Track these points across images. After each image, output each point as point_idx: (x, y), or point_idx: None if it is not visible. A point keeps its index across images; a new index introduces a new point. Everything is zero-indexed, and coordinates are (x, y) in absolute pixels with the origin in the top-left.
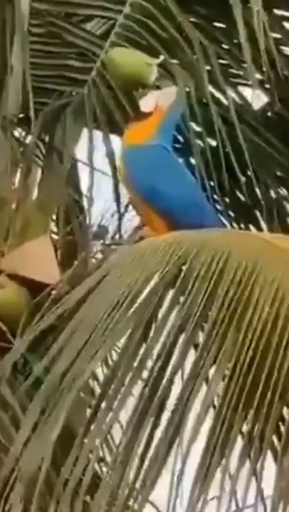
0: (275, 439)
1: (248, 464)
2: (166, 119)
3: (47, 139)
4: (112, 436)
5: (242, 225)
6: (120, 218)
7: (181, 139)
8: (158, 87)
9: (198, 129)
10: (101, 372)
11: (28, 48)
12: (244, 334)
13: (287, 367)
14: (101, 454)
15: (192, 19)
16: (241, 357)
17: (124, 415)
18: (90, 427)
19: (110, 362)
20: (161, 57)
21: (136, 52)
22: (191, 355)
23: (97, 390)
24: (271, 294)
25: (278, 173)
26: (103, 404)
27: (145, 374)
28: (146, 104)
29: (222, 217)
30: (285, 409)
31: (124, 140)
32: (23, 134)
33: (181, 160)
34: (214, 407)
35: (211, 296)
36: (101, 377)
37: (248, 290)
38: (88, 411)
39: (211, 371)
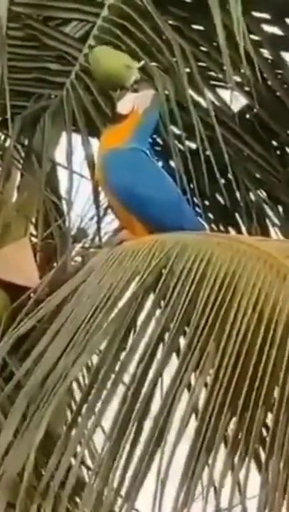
0: (259, 445)
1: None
2: (142, 122)
3: (26, 142)
4: (93, 442)
5: (222, 228)
6: (99, 221)
7: (160, 141)
8: (136, 91)
9: (177, 131)
10: (82, 376)
11: (6, 51)
12: (227, 338)
13: (270, 370)
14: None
15: (171, 21)
16: (224, 361)
17: (107, 420)
18: (72, 431)
19: (91, 366)
20: (142, 62)
21: (120, 53)
22: (174, 360)
23: (78, 394)
24: (253, 297)
25: (257, 176)
26: (84, 408)
27: (127, 378)
28: (123, 106)
29: (202, 220)
30: (268, 415)
31: (101, 143)
32: (2, 137)
33: (160, 163)
34: (197, 412)
35: (192, 299)
36: (82, 380)
37: (229, 293)
38: (70, 415)
39: (194, 376)
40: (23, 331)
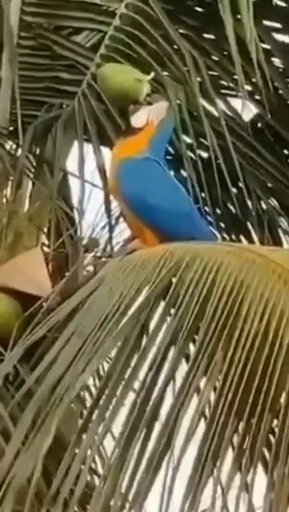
0: (265, 450)
1: (239, 475)
2: (158, 133)
3: (37, 151)
4: (104, 447)
5: (233, 237)
6: (111, 231)
7: (172, 150)
8: (149, 103)
9: (189, 140)
10: (92, 383)
11: (18, 60)
12: (235, 346)
13: (277, 378)
14: (93, 465)
15: (182, 31)
16: (232, 369)
17: (117, 426)
18: (82, 437)
19: (102, 373)
20: (152, 74)
21: (127, 68)
22: (183, 367)
23: (89, 401)
24: (261, 306)
25: (269, 185)
26: (95, 415)
27: (137, 385)
28: (137, 119)
29: (213, 229)
30: (275, 421)
31: (115, 153)
32: (14, 146)
33: (172, 172)
34: (205, 418)
35: (201, 308)
36: (92, 388)
37: (238, 302)
38: (80, 422)
39: (203, 382)
40: (35, 340)
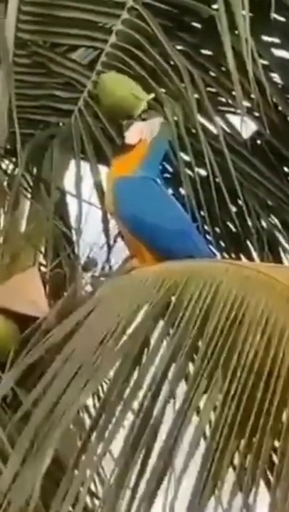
0: (267, 470)
1: (240, 496)
2: (151, 150)
3: (34, 170)
4: (103, 469)
5: (233, 255)
6: (109, 250)
7: (170, 168)
8: (144, 120)
9: (187, 158)
10: (91, 404)
11: (14, 78)
12: (235, 365)
13: (278, 397)
14: (92, 486)
15: (179, 47)
16: (232, 388)
17: (116, 447)
18: (80, 458)
19: (101, 394)
20: (152, 95)
21: (128, 81)
22: (182, 386)
23: (88, 422)
24: (261, 325)
25: (269, 202)
26: (94, 435)
27: (136, 405)
28: (131, 136)
29: (213, 248)
30: (276, 441)
31: (111, 172)
32: (10, 165)
33: (170, 190)
34: (205, 438)
35: (201, 326)
36: (91, 409)
37: (238, 320)
38: (78, 443)
39: (203, 402)
40: (32, 361)
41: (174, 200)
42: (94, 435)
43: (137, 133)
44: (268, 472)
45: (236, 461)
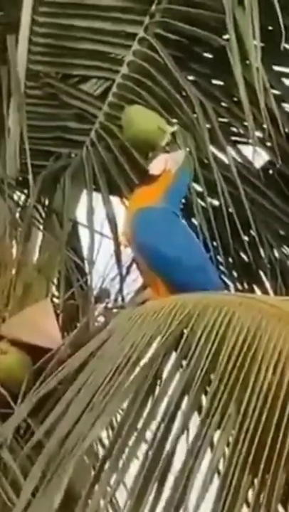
0: (281, 507)
1: None
2: (175, 182)
3: (46, 201)
4: (117, 500)
5: (246, 285)
6: (122, 281)
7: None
8: (167, 152)
9: (199, 188)
10: (105, 435)
11: (25, 110)
12: (248, 399)
13: None
14: None
15: (191, 77)
16: (246, 422)
17: (130, 478)
18: (94, 488)
19: (114, 424)
20: (175, 127)
21: (153, 114)
22: (196, 420)
23: (101, 454)
24: (274, 359)
25: (281, 232)
26: (107, 466)
27: (149, 436)
28: (155, 167)
29: (226, 278)
30: None
31: (132, 202)
32: (22, 196)
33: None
34: (219, 472)
35: (213, 359)
36: (105, 440)
37: (250, 354)
38: (92, 474)
39: (216, 436)
40: (45, 392)
41: (192, 233)
42: (107, 465)
43: (162, 164)
44: (282, 509)
45: (250, 497)
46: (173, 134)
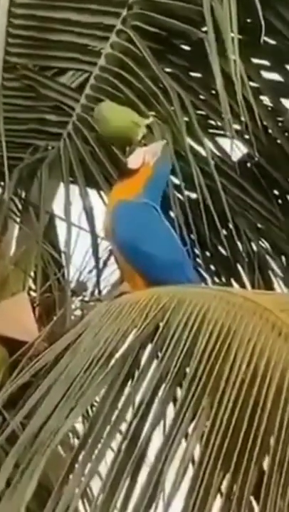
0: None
1: None
2: (154, 175)
3: (23, 194)
4: (91, 491)
5: (223, 279)
6: (99, 274)
7: None
8: (145, 145)
9: (176, 181)
10: (79, 427)
11: (2, 102)
12: (222, 391)
13: (265, 424)
14: (80, 507)
15: (168, 69)
16: (219, 415)
17: (104, 469)
18: (67, 479)
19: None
20: (151, 119)
21: (126, 109)
22: (170, 411)
23: (75, 445)
24: (249, 352)
25: (259, 226)
26: (81, 457)
27: (124, 427)
28: (133, 161)
29: (203, 272)
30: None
31: (111, 196)
32: None
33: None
34: (193, 463)
35: (188, 352)
36: (79, 432)
37: (225, 347)
38: (66, 465)
39: (191, 428)
40: (20, 385)
41: (170, 228)
42: (81, 456)
43: (140, 158)
44: (254, 500)
45: (224, 488)
46: (149, 126)
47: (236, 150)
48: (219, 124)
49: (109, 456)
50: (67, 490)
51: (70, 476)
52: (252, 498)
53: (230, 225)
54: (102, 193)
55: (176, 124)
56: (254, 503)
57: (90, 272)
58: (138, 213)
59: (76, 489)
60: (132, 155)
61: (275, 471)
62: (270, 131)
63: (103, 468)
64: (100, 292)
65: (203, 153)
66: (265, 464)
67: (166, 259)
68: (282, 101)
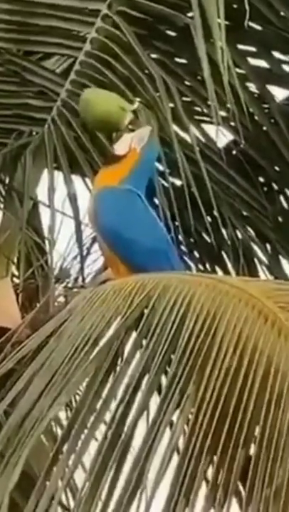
0: (240, 485)
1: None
2: (141, 161)
3: (7, 180)
4: (75, 481)
5: (208, 266)
6: (82, 261)
7: None
8: (132, 130)
9: (161, 167)
10: (63, 416)
11: None
12: (208, 379)
13: (251, 412)
14: (63, 498)
15: (154, 55)
16: (205, 402)
17: (88, 459)
18: (52, 470)
19: (73, 405)
20: (136, 104)
21: (111, 95)
22: (155, 399)
23: (59, 435)
24: (234, 340)
25: (244, 213)
26: (65, 447)
27: (108, 417)
28: (120, 147)
29: (188, 259)
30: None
31: (96, 182)
32: None
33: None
34: (178, 452)
35: (173, 339)
36: (63, 421)
37: (211, 334)
38: (50, 455)
39: (176, 416)
40: (3, 372)
41: (155, 216)
42: (65, 447)
43: (127, 143)
44: (241, 488)
45: (209, 476)
46: (135, 111)
47: (222, 137)
48: (205, 110)
49: (94, 446)
50: (52, 481)
51: (54, 467)
52: (238, 484)
53: (215, 212)
54: (86, 179)
55: (162, 110)
56: (241, 489)
57: (74, 258)
58: (121, 200)
59: (60, 480)
60: (119, 141)
61: (261, 458)
62: (256, 117)
63: (87, 458)
64: (83, 279)
65: (188, 139)
66: (252, 451)
67: (149, 246)
68: (268, 87)
